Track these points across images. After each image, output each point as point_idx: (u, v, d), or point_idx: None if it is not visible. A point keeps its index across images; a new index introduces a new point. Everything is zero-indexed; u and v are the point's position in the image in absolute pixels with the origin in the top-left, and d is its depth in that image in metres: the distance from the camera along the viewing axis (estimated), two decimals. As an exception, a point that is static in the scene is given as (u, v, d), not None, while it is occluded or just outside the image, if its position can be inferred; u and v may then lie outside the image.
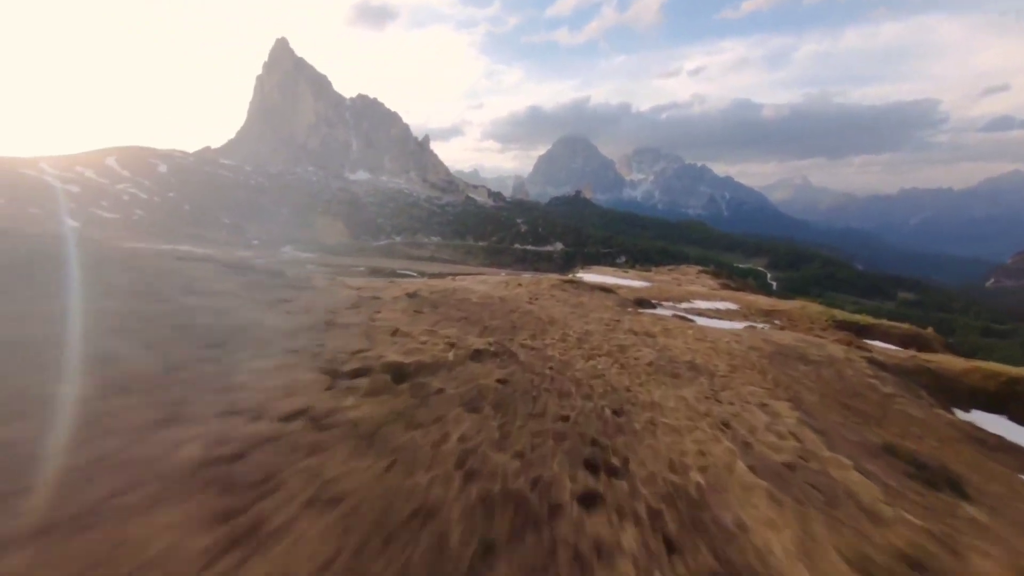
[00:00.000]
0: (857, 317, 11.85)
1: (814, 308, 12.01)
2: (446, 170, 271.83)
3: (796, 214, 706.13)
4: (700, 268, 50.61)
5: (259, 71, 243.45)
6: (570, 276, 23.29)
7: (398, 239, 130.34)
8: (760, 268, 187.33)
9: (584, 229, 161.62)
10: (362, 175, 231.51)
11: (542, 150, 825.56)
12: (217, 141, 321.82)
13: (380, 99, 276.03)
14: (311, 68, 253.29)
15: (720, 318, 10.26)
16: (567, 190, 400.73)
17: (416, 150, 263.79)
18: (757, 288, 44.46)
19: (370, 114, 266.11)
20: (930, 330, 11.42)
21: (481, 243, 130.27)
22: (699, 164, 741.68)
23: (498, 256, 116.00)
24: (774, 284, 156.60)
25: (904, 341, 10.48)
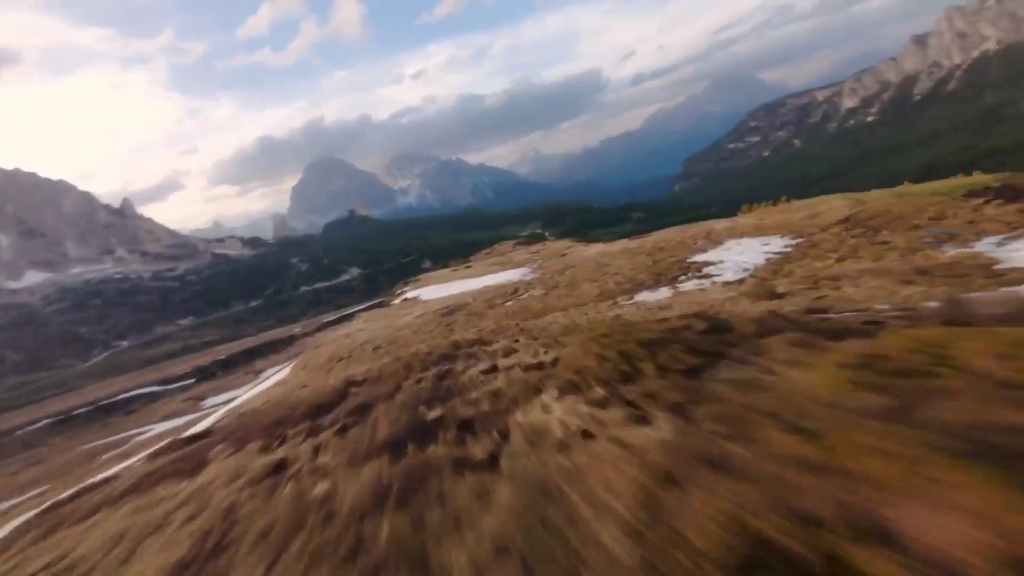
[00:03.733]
0: (987, 178, 7.49)
1: (900, 194, 7.13)
2: (172, 233, 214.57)
3: (540, 180, 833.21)
4: (514, 242, 47.71)
5: None
6: (399, 298, 14.46)
7: (124, 343, 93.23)
8: (539, 230, 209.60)
9: (374, 246, 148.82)
10: (34, 276, 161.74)
11: (293, 180, 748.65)
12: None
13: (30, 170, 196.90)
14: None
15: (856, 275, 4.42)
16: (338, 214, 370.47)
17: (114, 221, 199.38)
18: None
19: (18, 192, 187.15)
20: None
21: (254, 302, 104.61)
22: (454, 158, 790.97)
23: (282, 310, 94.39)
24: (551, 239, 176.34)
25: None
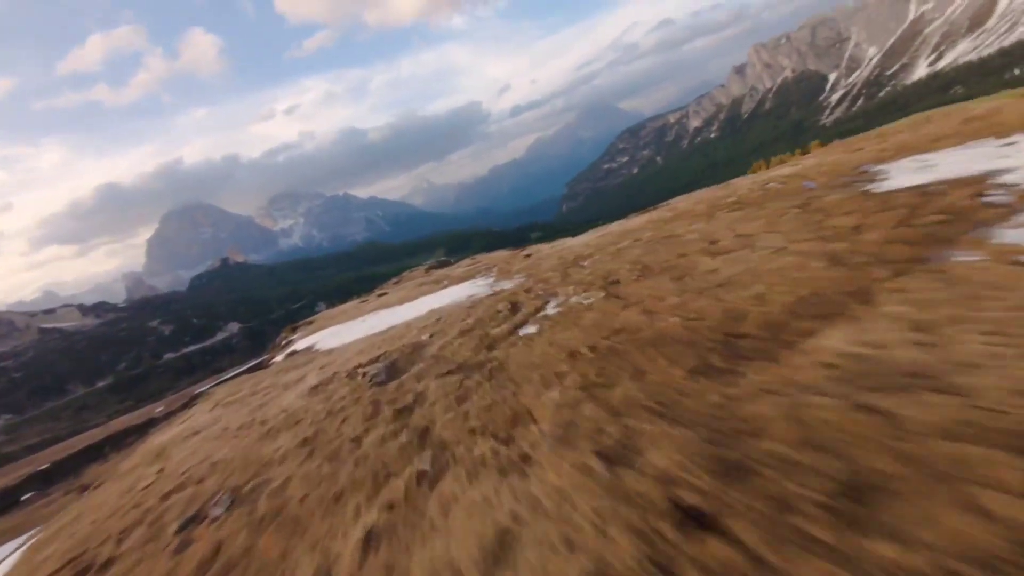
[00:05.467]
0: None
1: None
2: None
3: (436, 210, 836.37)
4: (425, 266, 44.24)
5: None
6: (285, 352, 10.77)
7: None
8: (444, 258, 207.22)
9: (256, 295, 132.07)
10: None
11: (149, 232, 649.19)
12: None
13: None
14: None
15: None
16: (210, 264, 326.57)
17: None
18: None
19: None
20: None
21: (101, 383, 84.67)
22: (341, 193, 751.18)
23: (142, 386, 77.48)
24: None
25: None
